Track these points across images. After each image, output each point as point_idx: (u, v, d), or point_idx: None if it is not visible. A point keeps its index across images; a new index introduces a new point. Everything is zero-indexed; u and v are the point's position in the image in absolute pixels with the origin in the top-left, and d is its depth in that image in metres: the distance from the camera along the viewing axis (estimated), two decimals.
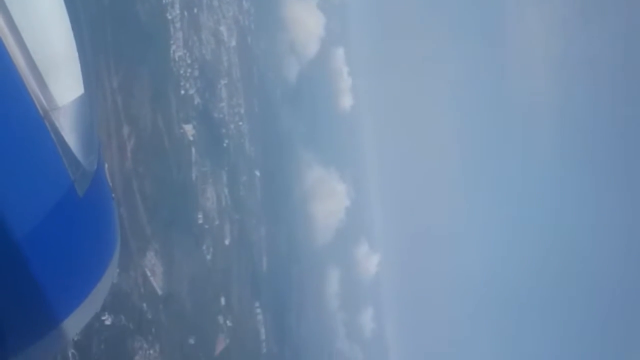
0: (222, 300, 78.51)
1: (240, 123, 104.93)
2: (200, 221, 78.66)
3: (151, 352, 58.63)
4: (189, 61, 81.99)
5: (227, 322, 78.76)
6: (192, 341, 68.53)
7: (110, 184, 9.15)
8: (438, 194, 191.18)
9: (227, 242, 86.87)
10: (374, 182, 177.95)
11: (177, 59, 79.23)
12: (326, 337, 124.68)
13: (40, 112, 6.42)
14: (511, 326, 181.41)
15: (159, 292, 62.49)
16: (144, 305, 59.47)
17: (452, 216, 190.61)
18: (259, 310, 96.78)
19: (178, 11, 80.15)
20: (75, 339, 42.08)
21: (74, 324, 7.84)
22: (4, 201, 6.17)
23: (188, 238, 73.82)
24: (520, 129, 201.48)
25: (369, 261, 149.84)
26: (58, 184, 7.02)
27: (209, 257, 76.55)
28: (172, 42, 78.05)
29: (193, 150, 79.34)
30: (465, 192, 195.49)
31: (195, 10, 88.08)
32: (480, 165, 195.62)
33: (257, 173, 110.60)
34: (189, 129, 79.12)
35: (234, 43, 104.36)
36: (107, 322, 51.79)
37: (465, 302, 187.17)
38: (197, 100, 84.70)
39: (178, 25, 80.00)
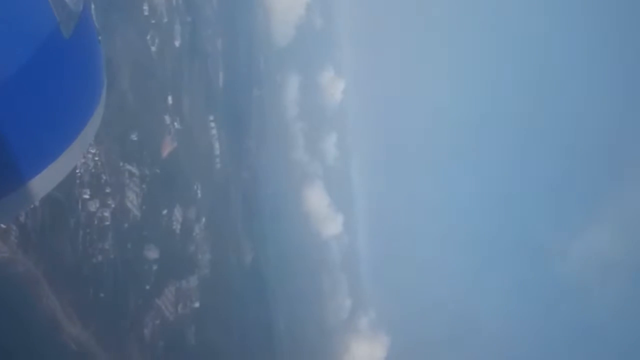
0: (170, 99, 72.20)
1: None
2: (146, 13, 70.80)
3: None
4: None
5: (175, 124, 72.99)
6: (134, 137, 62.86)
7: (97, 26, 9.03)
8: (411, 28, 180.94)
9: (177, 43, 79.43)
10: (342, 11, 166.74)
11: None
12: (284, 146, 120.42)
13: None
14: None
15: None
16: None
17: (424, 50, 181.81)
18: (213, 125, 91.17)
19: None
20: None
21: (67, 160, 8.25)
22: None
23: (130, 26, 66.10)
24: None
25: (334, 87, 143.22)
26: (43, 25, 6.99)
27: (153, 48, 69.29)
28: None
29: None
30: (439, 28, 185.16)
31: None
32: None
33: None
34: None
35: None
36: None
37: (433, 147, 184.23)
38: None
39: None
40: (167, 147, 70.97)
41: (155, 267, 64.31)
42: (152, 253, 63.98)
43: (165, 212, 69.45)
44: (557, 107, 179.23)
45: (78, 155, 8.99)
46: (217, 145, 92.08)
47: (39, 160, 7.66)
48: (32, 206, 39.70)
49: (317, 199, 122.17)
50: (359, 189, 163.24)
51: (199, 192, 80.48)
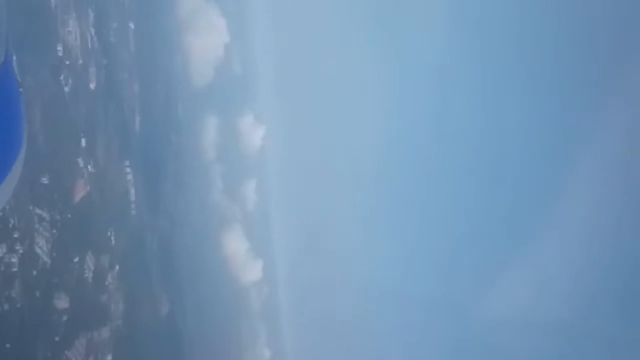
0: (83, 142, 69.63)
1: None
2: (60, 54, 68.87)
3: None
4: None
5: (89, 167, 70.43)
6: (45, 180, 60.17)
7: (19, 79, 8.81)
8: (330, 63, 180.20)
9: (92, 86, 77.44)
10: (261, 49, 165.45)
11: None
12: (202, 189, 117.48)
13: None
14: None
15: None
16: None
17: (343, 88, 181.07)
18: (128, 170, 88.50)
19: None
20: None
21: None
22: None
23: (43, 66, 64.01)
24: None
25: (254, 133, 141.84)
26: None
27: (67, 89, 67.10)
28: None
29: None
30: (360, 63, 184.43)
31: None
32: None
33: (132, 25, 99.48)
34: None
35: None
36: None
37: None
38: None
39: None
40: (80, 192, 68.28)
41: (65, 318, 60.96)
42: (62, 302, 60.72)
43: (76, 259, 66.30)
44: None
45: None
46: (132, 190, 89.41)
47: None
48: None
49: (236, 244, 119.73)
50: (279, 236, 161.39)
51: (112, 239, 77.45)
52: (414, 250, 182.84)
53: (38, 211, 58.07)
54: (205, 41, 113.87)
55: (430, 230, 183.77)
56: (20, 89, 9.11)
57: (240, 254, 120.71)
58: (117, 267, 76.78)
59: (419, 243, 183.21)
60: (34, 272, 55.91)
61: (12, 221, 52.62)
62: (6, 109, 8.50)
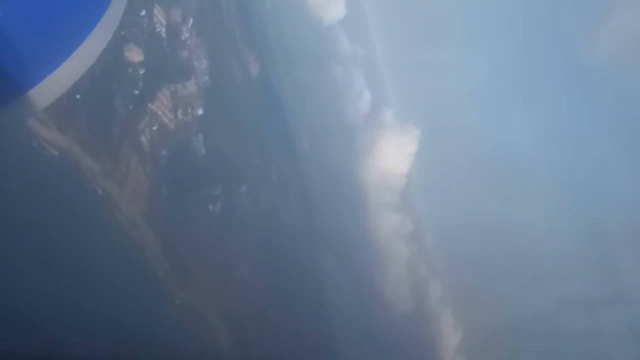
0: None
1: None
2: None
3: None
4: None
5: None
6: None
7: None
8: None
9: None
10: None
11: None
12: None
13: None
14: None
15: None
16: None
17: None
18: None
19: None
20: None
21: (78, 61, 7.86)
22: None
23: None
24: None
25: None
26: None
27: None
28: None
29: None
30: None
31: None
32: None
33: None
34: None
35: None
36: None
37: None
38: None
39: None
40: None
41: (142, 71, 58.12)
42: (135, 55, 57.50)
43: (143, 12, 62.01)
44: None
45: (93, 54, 7.90)
46: None
47: (47, 63, 7.09)
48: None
49: None
50: None
51: None
52: None
53: None
54: None
55: None
56: None
57: None
58: (191, 21, 72.14)
59: None
60: None
61: None
62: None
